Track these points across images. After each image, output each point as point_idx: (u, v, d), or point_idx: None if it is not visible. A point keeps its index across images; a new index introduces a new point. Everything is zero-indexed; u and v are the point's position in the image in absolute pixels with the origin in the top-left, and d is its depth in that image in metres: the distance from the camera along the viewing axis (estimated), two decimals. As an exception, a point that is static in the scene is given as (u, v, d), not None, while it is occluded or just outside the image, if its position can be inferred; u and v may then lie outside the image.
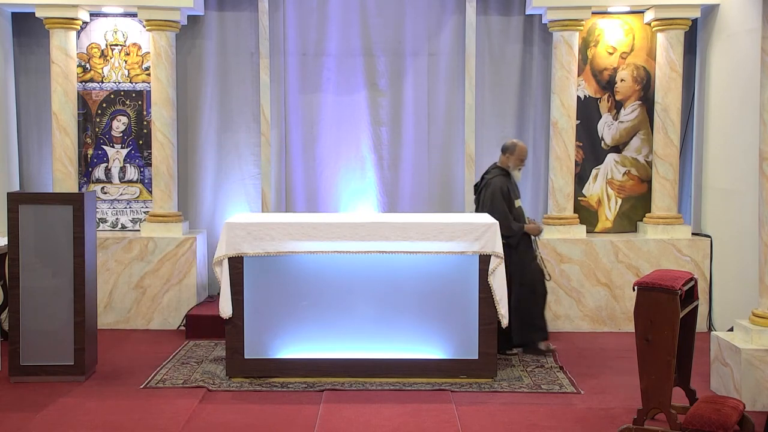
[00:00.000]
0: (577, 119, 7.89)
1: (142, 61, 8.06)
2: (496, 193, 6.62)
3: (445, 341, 6.09)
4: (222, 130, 8.30)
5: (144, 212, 8.10)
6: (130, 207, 8.14)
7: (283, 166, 8.35)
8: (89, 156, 8.10)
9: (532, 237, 6.78)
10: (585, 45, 7.95)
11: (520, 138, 8.30)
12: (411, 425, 5.14)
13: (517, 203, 6.76)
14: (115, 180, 8.13)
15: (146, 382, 5.99)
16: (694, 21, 7.83)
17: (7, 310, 6.39)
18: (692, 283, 5.06)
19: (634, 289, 4.89)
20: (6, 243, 6.08)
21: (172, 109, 7.85)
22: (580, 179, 8.04)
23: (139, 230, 7.99)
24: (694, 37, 7.99)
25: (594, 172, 8.07)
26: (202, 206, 8.35)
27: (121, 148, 8.11)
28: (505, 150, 6.82)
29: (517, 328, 6.58)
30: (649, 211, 7.96)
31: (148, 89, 8.02)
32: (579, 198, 8.04)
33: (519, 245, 6.62)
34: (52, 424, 5.13)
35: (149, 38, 7.85)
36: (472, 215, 7.00)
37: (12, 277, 5.96)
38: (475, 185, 7.00)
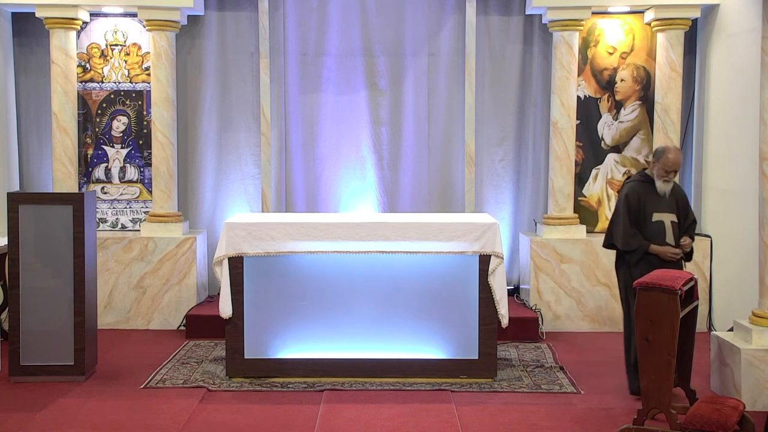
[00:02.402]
0: (577, 119, 7.89)
1: (142, 61, 8.06)
2: (620, 202, 5.76)
3: (445, 341, 6.09)
4: (222, 130, 8.30)
5: (144, 212, 8.10)
6: (130, 207, 8.14)
7: (283, 166, 8.35)
8: (89, 156, 8.10)
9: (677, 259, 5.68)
10: (585, 45, 7.95)
11: (520, 138, 8.31)
12: (411, 425, 5.14)
13: (657, 217, 5.68)
14: (115, 180, 8.13)
15: (146, 382, 5.99)
16: (694, 21, 7.83)
17: (7, 310, 6.39)
18: (692, 283, 5.06)
19: (634, 289, 4.89)
20: (6, 243, 6.08)
21: (172, 109, 7.85)
22: (580, 179, 8.04)
23: (139, 230, 7.99)
24: (694, 37, 7.98)
25: (594, 172, 8.07)
26: (202, 206, 8.35)
27: (121, 148, 8.10)
28: (653, 155, 5.85)
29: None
30: (649, 211, 7.95)
31: (148, 89, 8.02)
32: (579, 198, 8.04)
33: (639, 265, 5.61)
34: (52, 424, 5.13)
35: (149, 38, 7.85)
36: (472, 215, 7.01)
37: (12, 277, 5.96)
38: (618, 191, 6.11)
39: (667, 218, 5.71)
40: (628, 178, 6.04)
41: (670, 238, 5.67)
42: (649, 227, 5.67)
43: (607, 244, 5.88)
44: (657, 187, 5.71)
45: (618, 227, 5.71)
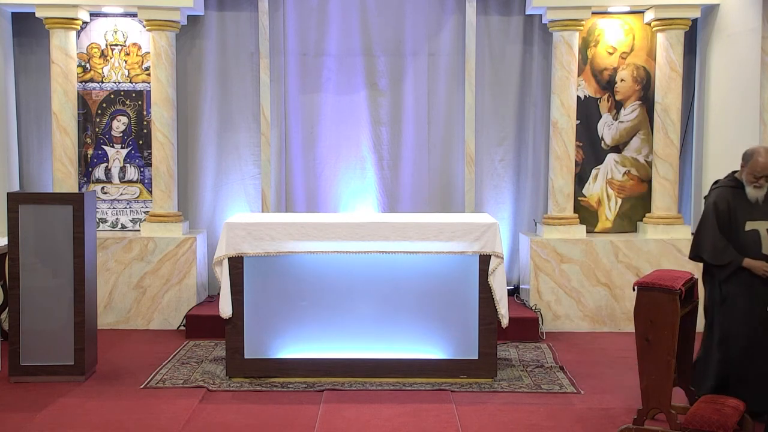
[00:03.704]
0: (577, 119, 7.89)
1: (142, 61, 8.06)
2: (707, 210, 5.20)
3: (445, 341, 6.09)
4: (222, 130, 8.30)
5: (144, 212, 8.10)
6: (130, 207, 8.14)
7: (283, 166, 8.35)
8: (89, 156, 8.10)
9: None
10: (585, 45, 7.95)
11: (520, 138, 8.30)
12: (411, 425, 5.14)
13: (750, 225, 5.11)
14: (115, 180, 8.13)
15: (146, 382, 5.99)
16: (694, 21, 7.83)
17: (7, 310, 6.39)
18: (692, 283, 5.06)
19: (634, 289, 4.89)
20: (6, 243, 6.08)
21: (172, 109, 7.85)
22: (580, 179, 8.04)
23: (139, 230, 7.99)
24: (694, 37, 7.99)
25: (594, 172, 8.07)
26: (202, 206, 8.35)
27: (121, 148, 8.10)
28: (742, 158, 5.21)
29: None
30: (649, 211, 7.96)
31: (148, 89, 8.02)
32: (579, 198, 8.04)
33: (730, 282, 5.10)
34: (52, 424, 5.13)
35: (149, 38, 7.85)
36: (472, 215, 7.01)
37: (12, 277, 5.96)
38: (705, 197, 5.48)
39: (763, 226, 5.13)
40: (715, 183, 5.42)
41: (766, 248, 5.10)
42: (742, 237, 5.12)
43: (694, 256, 5.31)
44: (747, 193, 5.17)
45: (706, 239, 5.18)
